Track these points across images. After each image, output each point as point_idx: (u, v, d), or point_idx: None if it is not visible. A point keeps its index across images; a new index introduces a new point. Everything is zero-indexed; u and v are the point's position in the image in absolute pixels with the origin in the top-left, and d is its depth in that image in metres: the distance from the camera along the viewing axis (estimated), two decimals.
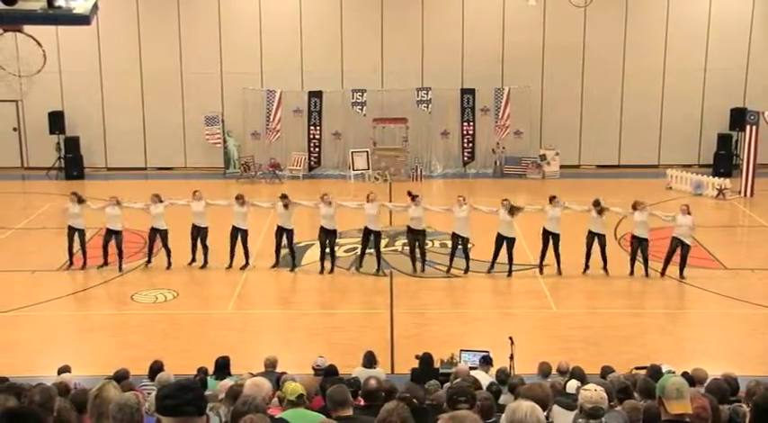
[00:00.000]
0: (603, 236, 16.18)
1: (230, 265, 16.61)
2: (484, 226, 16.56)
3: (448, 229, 16.94)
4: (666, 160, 24.56)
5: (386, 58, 24.44)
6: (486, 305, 15.41)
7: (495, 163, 24.64)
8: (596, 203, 16.08)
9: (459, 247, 16.37)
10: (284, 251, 16.77)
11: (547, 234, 16.17)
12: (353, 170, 24.15)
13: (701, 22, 24.23)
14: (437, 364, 10.93)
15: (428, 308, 15.00)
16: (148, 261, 16.80)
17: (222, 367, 10.40)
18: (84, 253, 16.63)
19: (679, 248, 15.84)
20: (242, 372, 10.01)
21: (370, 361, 10.61)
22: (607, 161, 25.05)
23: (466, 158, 24.87)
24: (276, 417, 6.04)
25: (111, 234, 16.45)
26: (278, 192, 18.23)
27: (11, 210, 21.06)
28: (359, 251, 16.83)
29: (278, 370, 10.23)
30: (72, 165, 24.23)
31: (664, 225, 16.52)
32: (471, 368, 10.29)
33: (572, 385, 8.02)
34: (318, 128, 24.62)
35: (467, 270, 16.36)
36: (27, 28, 8.88)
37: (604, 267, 16.22)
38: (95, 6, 8.46)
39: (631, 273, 16.16)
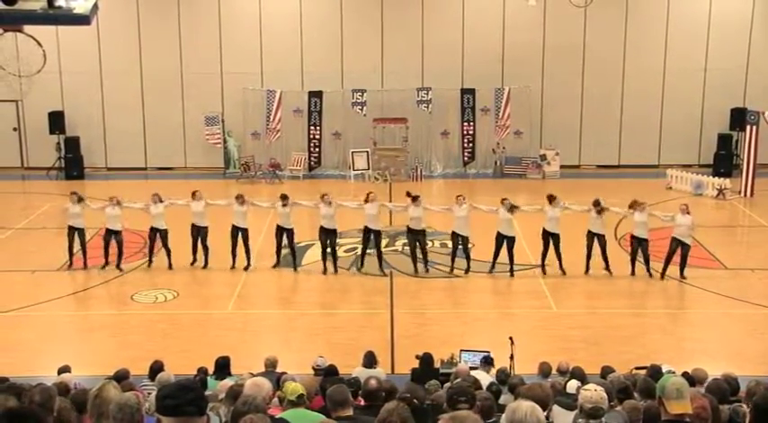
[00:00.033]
0: (603, 236, 16.17)
1: (233, 266, 16.61)
2: (484, 226, 16.56)
3: (448, 229, 16.94)
4: (666, 160, 24.56)
5: (386, 58, 24.44)
6: (486, 305, 15.41)
7: (496, 163, 24.64)
8: (596, 204, 16.08)
9: (460, 246, 16.38)
10: (285, 251, 16.77)
11: (547, 235, 16.17)
12: (353, 170, 24.15)
13: (701, 22, 24.23)
14: (437, 364, 10.93)
15: (428, 308, 15.00)
16: (149, 262, 16.80)
17: (222, 367, 10.40)
18: (85, 253, 16.63)
19: (679, 249, 15.84)
20: (242, 372, 10.01)
21: (370, 361, 10.61)
22: (607, 161, 25.05)
23: (466, 158, 24.87)
24: (276, 417, 6.04)
25: (110, 234, 16.46)
26: (278, 192, 18.24)
27: (11, 210, 21.06)
28: (359, 251, 16.83)
29: (278, 370, 10.23)
30: (72, 165, 24.24)
31: (663, 225, 16.51)
32: (472, 368, 10.29)
33: (572, 385, 8.01)
34: (318, 128, 24.62)
35: (468, 270, 16.36)
36: (27, 28, 8.88)
37: (607, 268, 16.19)
38: (95, 6, 8.46)
39: (632, 273, 16.16)
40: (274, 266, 16.74)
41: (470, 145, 24.78)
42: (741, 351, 12.93)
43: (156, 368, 9.96)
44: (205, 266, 16.68)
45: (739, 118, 23.46)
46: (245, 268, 16.59)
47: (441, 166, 24.93)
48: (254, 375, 8.39)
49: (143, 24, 24.33)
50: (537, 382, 7.99)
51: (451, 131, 24.84)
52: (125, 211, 16.66)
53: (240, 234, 16.51)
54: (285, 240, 16.59)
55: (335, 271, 16.50)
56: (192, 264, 16.73)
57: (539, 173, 24.20)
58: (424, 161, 24.75)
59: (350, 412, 6.00)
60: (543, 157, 24.44)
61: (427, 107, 24.17)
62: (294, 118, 24.65)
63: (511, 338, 11.29)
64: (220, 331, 13.86)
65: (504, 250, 16.16)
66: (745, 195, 22.01)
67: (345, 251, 17.39)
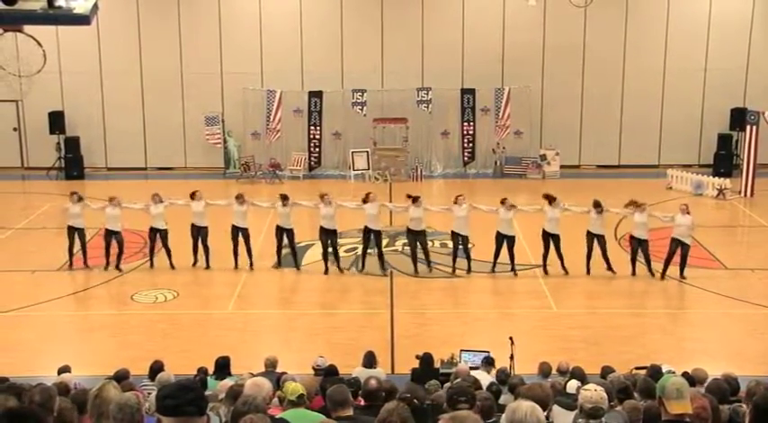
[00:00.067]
0: (603, 237, 16.15)
1: (236, 266, 16.59)
2: (484, 225, 16.56)
3: (448, 229, 16.93)
4: (666, 160, 24.56)
5: (386, 57, 24.44)
6: (486, 305, 15.41)
7: (496, 163, 24.64)
8: (597, 205, 16.07)
9: (460, 246, 16.37)
10: (285, 251, 16.76)
11: (547, 236, 16.14)
12: (354, 170, 24.15)
13: (701, 22, 24.22)
14: (437, 364, 10.93)
15: (428, 308, 15.00)
16: (151, 263, 16.77)
17: (222, 367, 10.40)
18: (85, 253, 16.63)
19: (679, 249, 15.83)
20: (242, 372, 10.02)
21: (370, 361, 10.61)
22: (607, 161, 25.05)
23: (466, 158, 24.87)
24: (276, 417, 6.04)
25: (110, 235, 16.46)
26: (278, 192, 18.20)
27: (11, 210, 21.06)
28: (359, 251, 16.83)
29: (278, 370, 10.23)
30: (72, 165, 24.24)
31: (663, 225, 16.51)
32: (472, 368, 10.29)
33: (572, 385, 8.02)
34: (318, 128, 24.62)
35: (469, 270, 16.35)
36: (27, 28, 8.88)
37: (609, 268, 16.17)
38: (95, 6, 8.46)
39: (633, 273, 16.15)
40: (275, 267, 16.72)
41: (470, 145, 24.78)
42: (741, 351, 12.93)
43: (156, 368, 9.96)
44: (207, 267, 16.67)
45: (739, 118, 23.46)
46: (250, 267, 16.57)
47: (441, 166, 24.93)
48: (254, 375, 8.39)
49: (143, 24, 24.33)
50: (537, 382, 7.99)
51: (451, 131, 24.84)
52: (125, 211, 16.66)
53: (240, 234, 16.50)
54: (285, 240, 16.58)
55: (339, 270, 16.49)
56: (194, 265, 16.71)
57: (539, 173, 24.20)
58: (425, 161, 24.75)
59: (350, 412, 6.00)
60: (543, 157, 24.45)
61: (427, 107, 24.17)
62: (294, 118, 24.65)
63: (511, 338, 11.29)
64: (220, 331, 13.86)
65: (504, 250, 16.16)
66: (746, 195, 22.01)
67: (345, 251, 17.38)
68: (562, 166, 24.40)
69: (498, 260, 16.28)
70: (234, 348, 11.81)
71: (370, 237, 16.47)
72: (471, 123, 24.66)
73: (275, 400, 7.06)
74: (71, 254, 16.64)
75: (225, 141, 24.45)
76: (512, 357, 11.18)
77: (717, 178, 22.44)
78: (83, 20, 8.38)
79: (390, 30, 24.36)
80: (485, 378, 9.76)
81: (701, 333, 13.95)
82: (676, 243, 15.83)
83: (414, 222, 16.30)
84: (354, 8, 24.40)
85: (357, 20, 24.39)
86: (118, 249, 16.50)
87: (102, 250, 16.51)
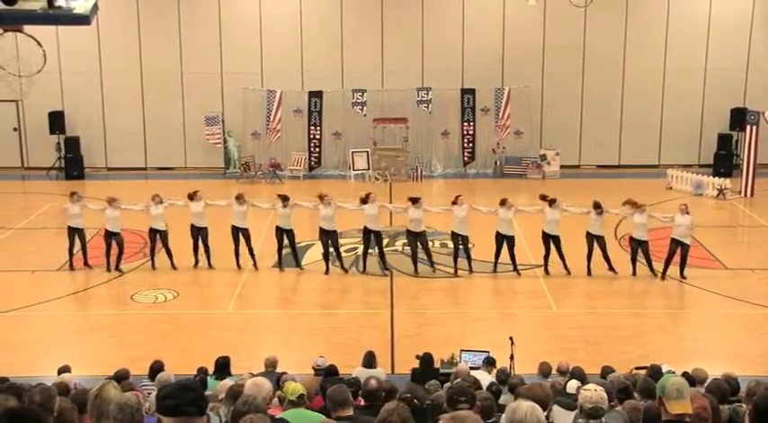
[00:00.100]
0: (602, 238, 16.14)
1: (238, 266, 16.59)
2: (483, 226, 16.56)
3: (448, 229, 16.93)
4: (667, 160, 24.56)
5: (386, 57, 24.44)
6: (486, 305, 15.40)
7: (496, 163, 24.64)
8: (596, 206, 16.06)
9: (460, 246, 16.37)
10: (285, 251, 16.75)
11: (547, 237, 16.13)
12: (354, 170, 24.14)
13: (701, 22, 24.23)
14: (437, 364, 10.93)
15: (428, 308, 14.99)
16: (152, 265, 16.74)
17: (222, 367, 10.40)
18: (85, 253, 16.63)
19: (679, 249, 15.83)
20: (242, 372, 10.02)
21: (370, 361, 10.61)
22: (607, 161, 25.05)
23: (466, 158, 24.87)
24: (276, 417, 6.04)
25: (110, 236, 16.45)
26: (278, 192, 18.19)
27: (11, 210, 21.06)
28: (360, 252, 16.82)
29: (278, 370, 10.23)
30: (72, 165, 24.24)
31: (663, 225, 16.51)
32: (472, 368, 10.29)
33: (572, 385, 8.02)
34: (318, 128, 24.62)
35: (470, 270, 16.35)
36: (27, 28, 8.88)
37: (610, 269, 16.15)
38: (95, 6, 8.46)
39: (633, 273, 16.15)
40: (275, 267, 16.71)
41: (470, 145, 24.78)
42: (741, 351, 12.93)
43: (156, 368, 9.96)
44: (209, 267, 16.66)
45: (739, 118, 23.46)
46: (254, 267, 16.55)
47: (441, 166, 24.93)
48: (254, 375, 8.39)
49: (143, 24, 24.33)
50: (537, 382, 7.99)
51: (451, 131, 24.84)
52: (124, 211, 16.65)
53: (241, 234, 16.50)
54: (286, 241, 16.57)
55: (343, 270, 16.48)
56: (195, 266, 16.69)
57: (539, 173, 24.20)
58: (425, 161, 24.75)
59: (350, 412, 6.00)
60: (543, 157, 24.45)
61: (427, 107, 24.17)
62: (294, 118, 24.65)
63: (511, 338, 11.29)
64: (220, 331, 13.86)
65: (504, 250, 16.15)
66: (746, 195, 22.01)
67: (346, 251, 17.36)
68: (562, 166, 24.40)
69: (499, 260, 16.28)
70: (234, 348, 11.81)
71: (371, 237, 16.46)
72: (471, 123, 24.67)
73: (275, 400, 7.06)
74: (71, 254, 16.63)
75: (225, 141, 24.45)
76: (512, 357, 11.18)
77: (717, 178, 22.44)
78: (83, 20, 8.38)
79: (390, 30, 24.36)
80: (485, 378, 9.76)
81: (701, 333, 13.95)
82: (676, 243, 15.83)
83: (413, 224, 16.29)
84: (354, 8, 24.40)
85: (357, 20, 24.39)
86: (118, 250, 16.49)
87: (102, 250, 16.51)
